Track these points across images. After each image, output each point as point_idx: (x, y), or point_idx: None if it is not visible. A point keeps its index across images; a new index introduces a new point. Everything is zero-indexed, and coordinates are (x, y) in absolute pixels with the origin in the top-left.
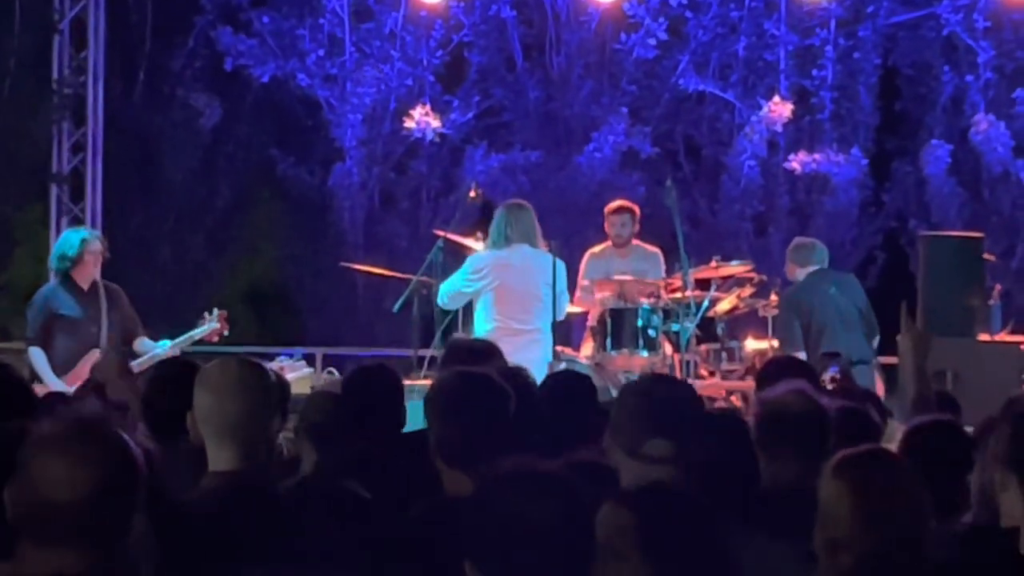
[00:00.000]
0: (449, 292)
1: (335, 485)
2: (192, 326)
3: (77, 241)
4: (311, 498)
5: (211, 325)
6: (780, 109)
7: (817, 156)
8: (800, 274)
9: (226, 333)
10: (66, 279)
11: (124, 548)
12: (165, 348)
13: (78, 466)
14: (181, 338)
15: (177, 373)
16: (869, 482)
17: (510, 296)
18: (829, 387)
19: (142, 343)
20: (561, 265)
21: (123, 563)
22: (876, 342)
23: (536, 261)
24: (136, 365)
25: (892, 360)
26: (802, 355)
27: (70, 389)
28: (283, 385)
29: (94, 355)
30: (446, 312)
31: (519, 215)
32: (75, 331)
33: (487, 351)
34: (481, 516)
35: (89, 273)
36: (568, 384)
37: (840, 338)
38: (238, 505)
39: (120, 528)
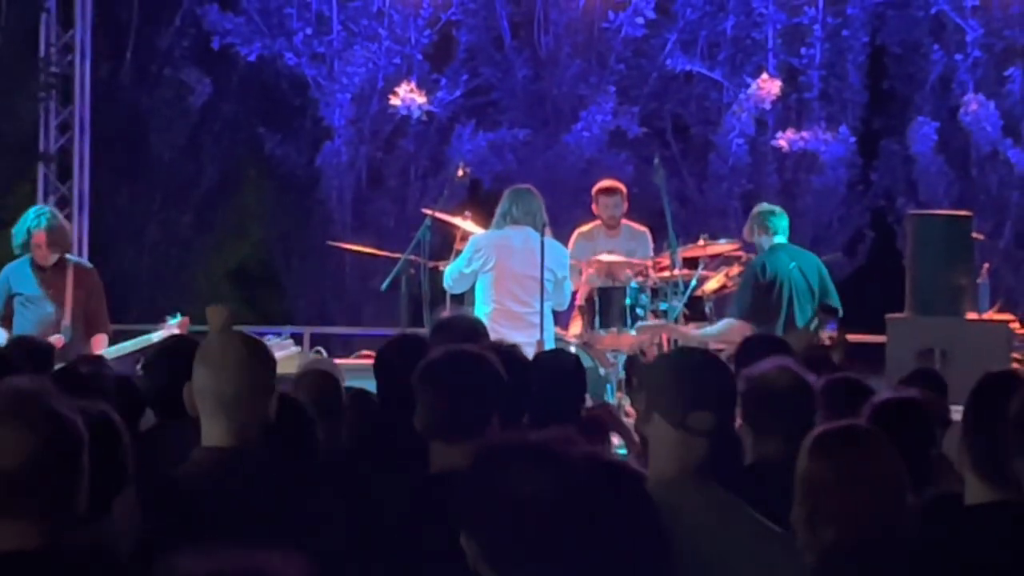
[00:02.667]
0: (452, 275)
1: (325, 461)
2: (184, 314)
3: (23, 228)
4: (302, 474)
5: (171, 330)
6: (769, 86)
7: (805, 134)
8: (765, 242)
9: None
10: (30, 257)
11: (77, 520)
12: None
13: (16, 431)
14: (138, 340)
15: (179, 351)
16: (848, 458)
17: (509, 278)
18: (828, 344)
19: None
20: (565, 251)
21: (82, 536)
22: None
23: (538, 244)
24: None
25: (879, 339)
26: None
27: None
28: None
29: (56, 340)
30: (435, 292)
31: (525, 198)
32: (31, 310)
33: (472, 329)
34: (478, 489)
35: (43, 255)
36: (555, 363)
37: (797, 318)
38: (227, 481)
39: (68, 493)
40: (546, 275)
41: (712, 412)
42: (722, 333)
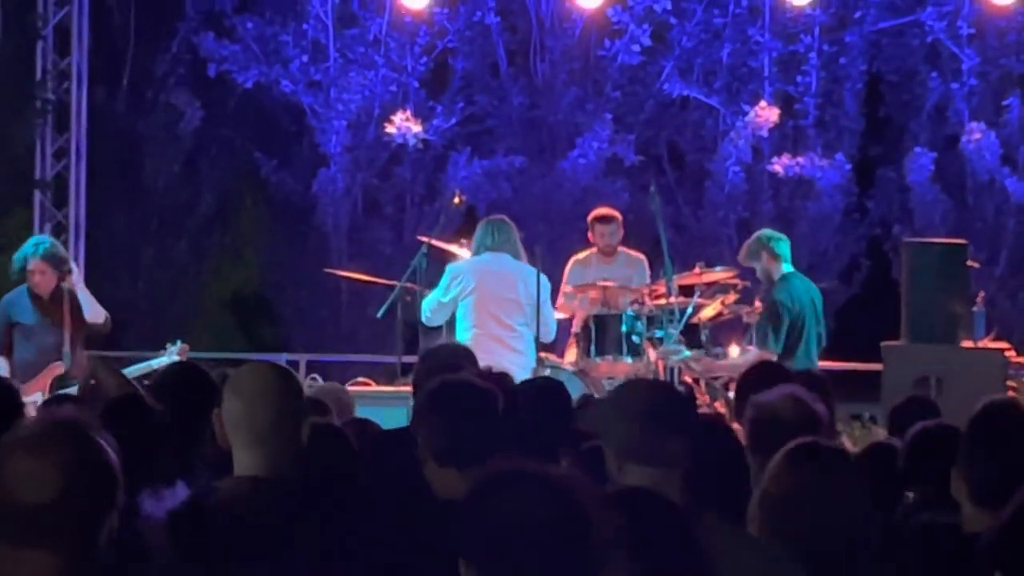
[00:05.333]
0: (430, 306)
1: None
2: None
3: (21, 257)
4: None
5: (171, 357)
6: (766, 114)
7: (801, 159)
8: (775, 270)
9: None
10: (29, 287)
11: (100, 549)
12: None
13: (47, 466)
14: (138, 366)
15: (181, 379)
16: (810, 473)
17: (489, 302)
18: None
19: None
20: (546, 281)
21: (102, 565)
22: None
23: (516, 269)
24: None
25: (875, 367)
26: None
27: (31, 398)
28: None
29: (56, 367)
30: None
31: (501, 227)
32: (32, 339)
33: (461, 357)
34: (477, 516)
35: (40, 285)
36: (540, 391)
37: (813, 350)
38: (262, 510)
39: (92, 529)
40: (525, 299)
41: (679, 439)
42: (738, 362)
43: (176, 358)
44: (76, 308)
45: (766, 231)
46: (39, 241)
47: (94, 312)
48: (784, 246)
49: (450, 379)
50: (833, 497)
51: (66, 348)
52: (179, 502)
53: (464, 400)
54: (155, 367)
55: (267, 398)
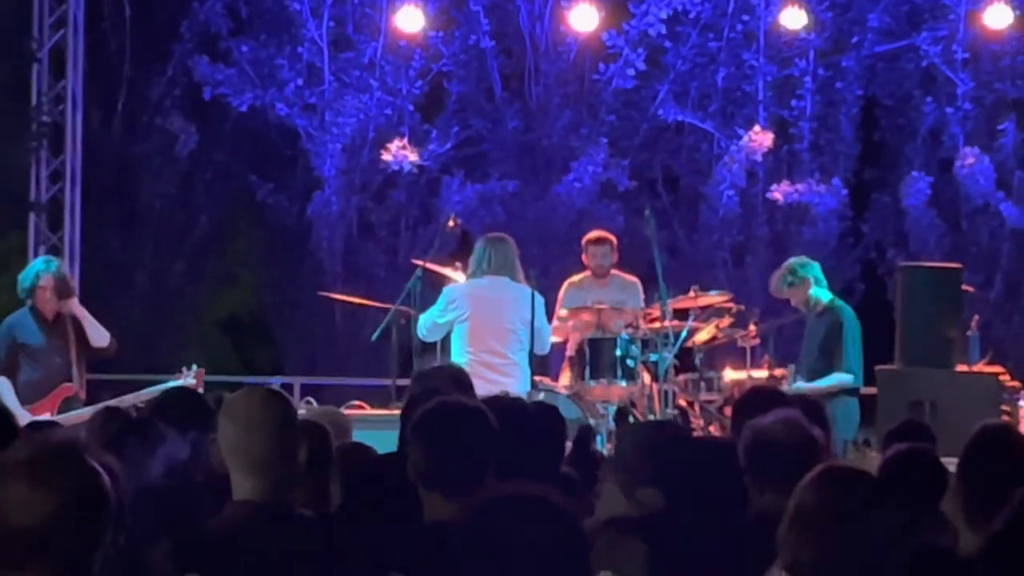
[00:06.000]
0: (426, 324)
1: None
2: (175, 363)
3: (32, 272)
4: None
5: (187, 380)
6: (761, 138)
7: (800, 186)
8: (822, 294)
9: (200, 391)
10: (32, 308)
11: (95, 573)
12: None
13: (41, 490)
14: (153, 388)
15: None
16: (849, 497)
17: (483, 329)
18: None
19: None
20: (539, 299)
21: None
22: None
23: (513, 294)
24: (77, 415)
25: (870, 391)
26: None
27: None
28: None
29: (66, 388)
30: (426, 342)
31: (499, 247)
32: (39, 360)
33: (455, 380)
34: (473, 540)
35: (48, 303)
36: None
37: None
38: (264, 534)
39: (86, 554)
40: (520, 325)
41: (661, 491)
42: (831, 388)
43: (192, 382)
44: (79, 331)
45: (796, 259)
46: (49, 259)
47: (99, 335)
48: (820, 270)
49: (436, 403)
50: (867, 521)
51: (74, 369)
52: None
53: (450, 424)
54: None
55: (264, 423)
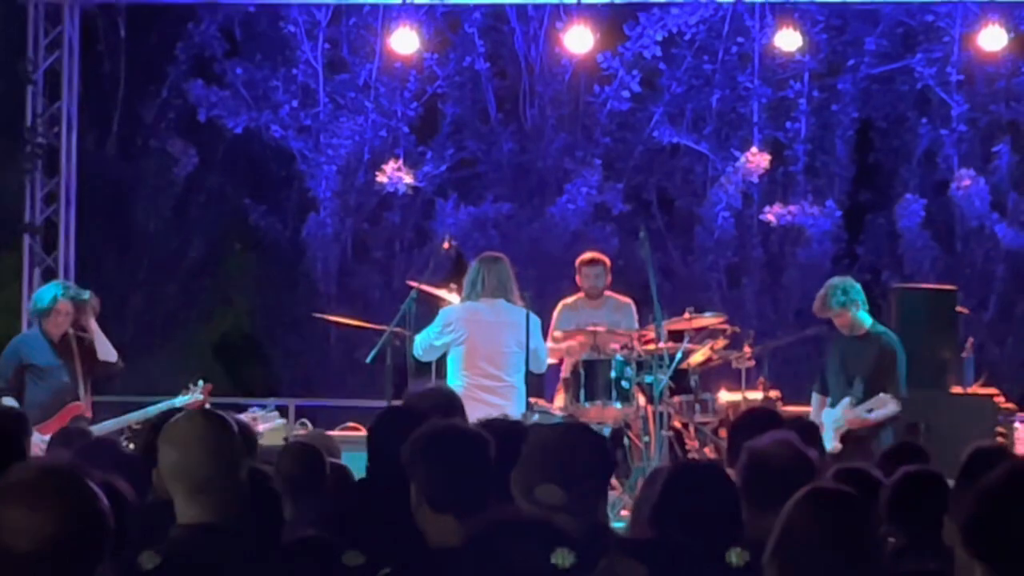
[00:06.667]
0: (422, 345)
1: (312, 537)
2: (170, 385)
3: (50, 296)
4: (288, 550)
5: (195, 396)
6: (757, 160)
7: (793, 208)
8: (864, 317)
9: (207, 407)
10: (41, 329)
11: None
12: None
13: (39, 514)
14: (161, 405)
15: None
16: (836, 519)
17: (479, 352)
18: None
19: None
20: (536, 320)
21: None
22: None
23: (509, 316)
24: (98, 429)
25: None
26: None
27: (45, 438)
28: (248, 436)
29: (75, 407)
30: (420, 363)
31: (494, 268)
32: (47, 380)
33: (448, 402)
34: (475, 564)
35: (59, 326)
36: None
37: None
38: (212, 557)
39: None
40: (516, 348)
41: (562, 487)
42: (890, 414)
43: (200, 397)
44: (88, 350)
45: (841, 280)
46: (66, 284)
47: (108, 351)
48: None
49: (438, 426)
50: (851, 541)
51: (81, 388)
52: None
53: (455, 448)
54: (177, 405)
55: (203, 446)
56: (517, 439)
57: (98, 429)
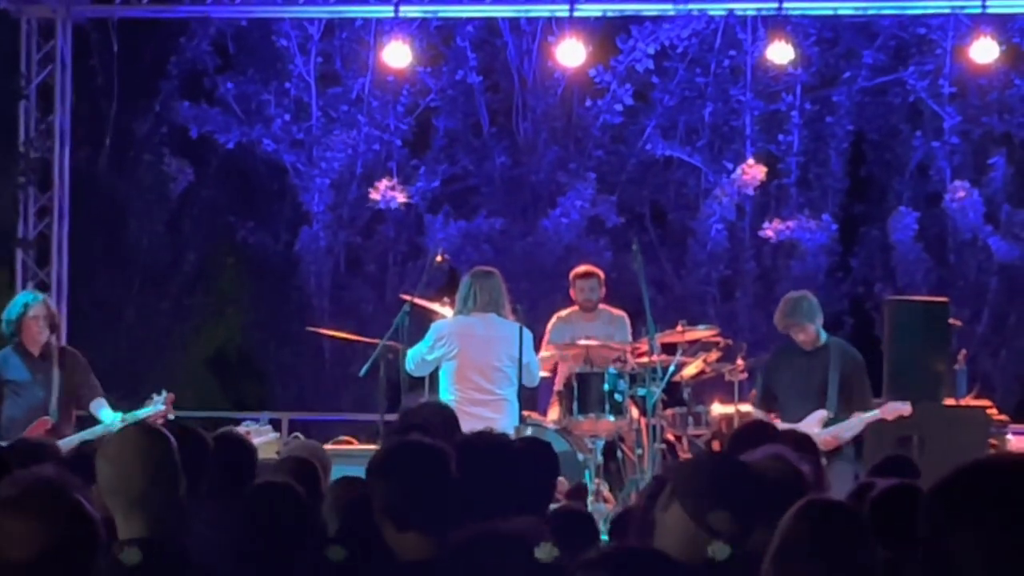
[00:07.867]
0: (414, 359)
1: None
2: (148, 397)
3: (19, 305)
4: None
5: (157, 407)
6: (754, 171)
7: (791, 223)
8: (822, 332)
9: (171, 417)
10: (16, 343)
11: None
12: (115, 420)
13: (29, 526)
14: (127, 416)
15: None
16: (831, 531)
17: (471, 367)
18: None
19: (99, 408)
20: (528, 334)
21: None
22: None
23: (501, 331)
24: (65, 444)
25: None
26: None
27: None
28: (250, 449)
29: (43, 423)
30: (414, 377)
31: (486, 283)
32: (23, 395)
33: (441, 418)
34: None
35: (35, 337)
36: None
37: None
38: (154, 572)
39: None
40: (508, 362)
41: (734, 516)
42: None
43: (162, 407)
44: (67, 365)
45: (803, 295)
46: (35, 294)
47: (95, 394)
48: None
49: (400, 442)
50: (849, 556)
51: (53, 405)
52: None
53: (411, 465)
54: (141, 417)
55: (138, 460)
56: (506, 453)
57: (65, 444)
